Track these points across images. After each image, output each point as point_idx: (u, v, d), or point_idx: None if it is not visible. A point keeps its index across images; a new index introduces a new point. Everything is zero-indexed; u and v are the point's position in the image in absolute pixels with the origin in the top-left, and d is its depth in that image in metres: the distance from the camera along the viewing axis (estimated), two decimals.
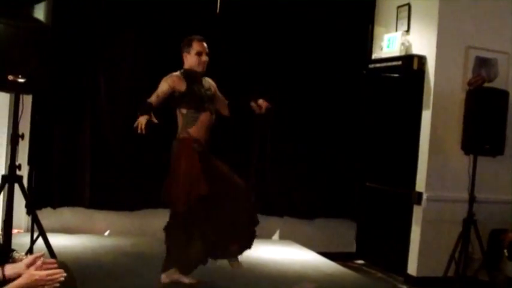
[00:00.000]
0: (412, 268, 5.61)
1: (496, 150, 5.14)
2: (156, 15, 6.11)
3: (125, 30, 6.06)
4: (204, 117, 4.46)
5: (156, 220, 6.29)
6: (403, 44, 5.92)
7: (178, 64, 6.17)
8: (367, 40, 6.63)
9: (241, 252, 4.54)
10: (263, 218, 6.53)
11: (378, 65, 6.21)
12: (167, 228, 4.53)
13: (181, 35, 6.19)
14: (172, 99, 4.45)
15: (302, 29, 6.49)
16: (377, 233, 6.34)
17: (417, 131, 5.69)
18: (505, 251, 5.02)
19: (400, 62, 5.83)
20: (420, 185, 5.62)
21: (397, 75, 6.10)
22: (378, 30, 6.56)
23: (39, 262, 2.53)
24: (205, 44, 4.52)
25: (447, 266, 5.04)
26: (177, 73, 4.49)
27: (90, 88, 6.00)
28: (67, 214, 6.05)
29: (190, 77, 4.48)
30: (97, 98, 6.03)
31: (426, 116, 5.62)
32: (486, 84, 5.23)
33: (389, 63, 6.01)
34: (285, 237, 6.61)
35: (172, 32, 6.17)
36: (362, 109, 6.59)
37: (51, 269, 2.54)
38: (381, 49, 6.25)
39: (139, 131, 4.13)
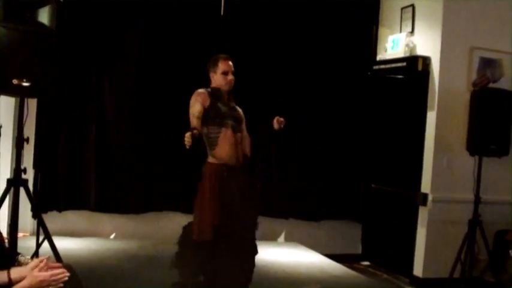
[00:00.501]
0: (418, 269, 5.60)
1: (502, 151, 5.13)
2: (160, 18, 6.12)
3: (129, 33, 6.08)
4: (226, 134, 4.33)
5: (162, 223, 6.34)
6: (407, 45, 5.91)
7: (183, 68, 6.22)
8: (371, 41, 6.63)
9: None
10: (268, 220, 6.55)
11: (382, 66, 6.20)
12: (179, 251, 4.41)
13: (185, 37, 6.25)
14: None
15: (307, 31, 6.50)
16: (383, 234, 6.32)
17: (422, 132, 5.68)
18: (511, 251, 5.01)
19: (404, 63, 5.83)
20: (425, 186, 5.61)
21: (401, 76, 6.09)
22: (382, 31, 6.56)
23: (42, 264, 2.54)
24: (230, 63, 4.46)
25: (453, 267, 5.03)
26: (203, 90, 4.44)
27: (95, 91, 6.02)
28: (72, 217, 6.06)
29: (216, 95, 4.43)
30: (102, 101, 6.05)
31: (431, 117, 5.61)
32: (491, 85, 5.23)
33: (393, 65, 6.01)
34: (290, 239, 6.61)
35: (176, 35, 6.20)
36: (367, 111, 6.58)
37: (54, 269, 2.55)
38: (385, 50, 6.25)
39: (187, 147, 4.01)
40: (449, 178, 5.56)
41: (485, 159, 5.11)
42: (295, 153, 6.52)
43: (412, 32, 5.98)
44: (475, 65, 5.61)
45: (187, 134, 3.99)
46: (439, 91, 5.55)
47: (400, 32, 6.13)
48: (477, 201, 5.06)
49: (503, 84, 5.57)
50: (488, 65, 5.63)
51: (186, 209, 6.37)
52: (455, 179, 5.55)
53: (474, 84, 5.15)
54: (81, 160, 6.03)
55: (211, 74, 4.49)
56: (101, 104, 6.04)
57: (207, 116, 4.32)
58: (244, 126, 4.53)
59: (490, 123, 5.01)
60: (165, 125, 6.20)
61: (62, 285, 2.52)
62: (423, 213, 5.60)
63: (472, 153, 5.13)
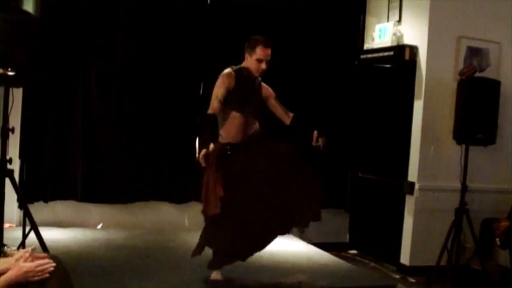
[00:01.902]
0: (404, 257, 5.63)
1: (488, 140, 5.16)
2: (147, 8, 6.07)
3: (115, 22, 6.03)
4: (236, 119, 4.41)
5: (149, 213, 6.33)
6: (394, 34, 5.91)
7: (169, 57, 6.18)
8: (358, 31, 6.62)
9: (304, 223, 4.54)
10: None
11: (369, 55, 6.20)
12: (204, 232, 4.55)
13: (172, 27, 6.21)
14: None
15: (293, 20, 6.47)
16: (370, 223, 6.35)
17: (409, 121, 5.69)
18: (497, 239, 5.05)
19: (391, 53, 5.83)
20: (412, 175, 5.63)
21: (389, 65, 6.10)
22: (369, 20, 6.55)
23: (27, 254, 2.52)
24: (269, 51, 4.44)
25: (440, 255, 5.06)
26: (229, 70, 4.43)
27: (81, 81, 5.97)
28: (59, 208, 6.02)
29: (243, 74, 4.43)
30: (88, 90, 6.00)
31: (418, 106, 5.63)
32: (477, 74, 5.24)
33: (381, 54, 6.01)
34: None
35: (163, 23, 6.16)
36: (354, 100, 6.59)
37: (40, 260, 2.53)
38: (373, 39, 6.24)
39: (203, 164, 4.15)
40: (436, 167, 5.59)
41: (471, 148, 5.13)
42: (284, 142, 6.50)
43: (400, 21, 5.98)
44: (462, 54, 5.62)
45: (203, 153, 4.09)
46: (426, 80, 5.56)
47: (388, 21, 6.12)
48: (464, 189, 5.08)
49: (490, 73, 5.60)
50: (475, 54, 5.65)
51: (173, 199, 6.39)
52: (442, 168, 5.58)
53: (461, 74, 5.16)
54: (68, 150, 5.99)
55: (246, 55, 4.46)
56: (87, 93, 5.99)
57: (229, 96, 4.34)
58: (273, 101, 4.66)
59: (476, 112, 5.03)
60: (152, 114, 6.17)
61: (47, 275, 2.50)
62: (410, 202, 5.63)
63: (458, 142, 5.15)
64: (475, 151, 5.24)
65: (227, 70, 4.43)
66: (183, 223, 6.48)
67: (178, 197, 6.38)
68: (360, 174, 6.47)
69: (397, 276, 5.49)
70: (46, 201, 5.92)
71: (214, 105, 4.31)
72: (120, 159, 6.08)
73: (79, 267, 4.33)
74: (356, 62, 6.46)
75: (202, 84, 6.35)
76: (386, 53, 5.92)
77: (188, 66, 6.27)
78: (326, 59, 6.55)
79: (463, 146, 5.10)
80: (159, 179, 6.20)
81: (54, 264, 2.53)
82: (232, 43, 6.30)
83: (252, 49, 4.43)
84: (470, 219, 5.05)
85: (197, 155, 4.23)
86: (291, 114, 4.74)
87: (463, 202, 5.07)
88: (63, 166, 5.99)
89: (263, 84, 4.65)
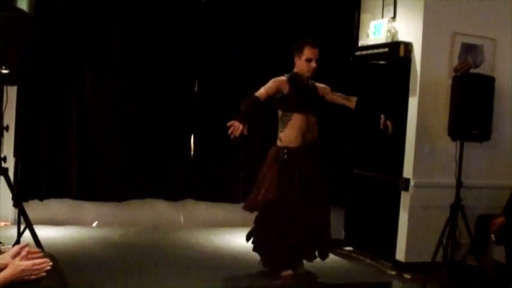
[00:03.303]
0: (400, 254, 5.64)
1: (483, 136, 5.16)
2: (142, 5, 6.05)
3: (110, 20, 6.02)
4: (298, 119, 4.66)
5: (144, 211, 6.33)
6: (389, 31, 5.90)
7: (164, 53, 6.17)
8: (353, 27, 6.61)
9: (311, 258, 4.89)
10: None
11: (364, 52, 6.19)
12: (252, 233, 4.82)
13: (167, 25, 6.19)
14: (275, 100, 4.70)
15: (288, 16, 6.47)
16: (365, 219, 6.35)
17: (404, 118, 5.69)
18: (492, 235, 5.06)
19: (386, 49, 5.82)
20: (407, 171, 5.63)
21: (383, 62, 6.09)
22: (364, 17, 6.53)
23: (23, 252, 2.51)
24: (316, 50, 4.70)
25: (435, 251, 5.07)
26: (284, 77, 4.71)
27: (76, 79, 5.96)
28: (54, 206, 6.02)
29: (295, 80, 4.69)
30: (83, 89, 5.99)
31: (413, 102, 5.63)
32: (472, 70, 5.24)
33: (375, 50, 6.00)
34: None
35: (158, 21, 6.15)
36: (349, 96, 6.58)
37: (36, 258, 2.52)
38: (367, 36, 6.24)
39: (232, 136, 4.31)
40: (431, 163, 5.59)
41: (466, 144, 5.14)
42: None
43: (394, 17, 5.97)
44: (457, 50, 5.62)
45: (239, 129, 4.27)
46: (421, 77, 5.56)
47: (382, 17, 6.11)
48: (459, 185, 5.09)
49: (485, 69, 5.59)
50: (470, 50, 5.65)
51: (168, 196, 6.39)
52: (437, 164, 5.58)
53: (456, 70, 5.17)
54: (62, 148, 5.98)
55: (295, 59, 4.73)
56: (81, 91, 5.99)
57: (284, 101, 4.62)
58: (330, 95, 4.97)
59: (471, 109, 5.03)
60: (147, 112, 6.17)
61: (44, 274, 2.50)
62: (405, 198, 5.63)
63: (453, 138, 5.16)
64: (470, 147, 5.25)
65: (282, 77, 4.71)
66: (178, 220, 6.49)
67: (174, 194, 6.38)
68: (355, 171, 6.47)
69: (393, 273, 5.49)
70: (41, 199, 5.91)
71: (261, 91, 4.57)
72: (115, 157, 6.07)
73: (74, 265, 4.33)
74: (351, 59, 6.45)
75: (197, 81, 6.35)
76: (381, 50, 5.91)
77: (183, 64, 6.26)
78: (321, 56, 6.51)
79: (458, 142, 5.11)
80: (154, 176, 6.19)
81: (51, 263, 2.53)
82: (227, 41, 6.33)
83: (300, 51, 4.69)
84: (465, 215, 5.06)
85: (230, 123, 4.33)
86: (354, 98, 5.00)
87: (458, 198, 5.08)
88: (58, 164, 5.98)
89: (317, 84, 4.90)
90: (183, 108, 6.29)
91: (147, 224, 6.27)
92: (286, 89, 4.64)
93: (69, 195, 6.01)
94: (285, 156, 4.62)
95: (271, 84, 4.64)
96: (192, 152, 6.43)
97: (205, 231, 6.30)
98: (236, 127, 4.27)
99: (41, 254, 2.59)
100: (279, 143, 4.69)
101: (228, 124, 4.30)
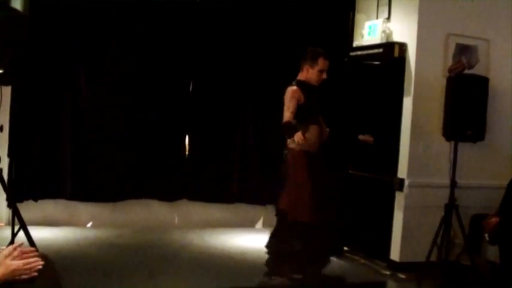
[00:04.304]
0: (394, 254, 5.65)
1: (477, 136, 5.18)
2: (136, 5, 6.05)
3: (105, 19, 6.01)
4: (314, 128, 4.69)
5: (139, 211, 6.32)
6: (384, 31, 5.91)
7: (159, 53, 6.16)
8: (348, 28, 6.62)
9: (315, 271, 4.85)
10: (246, 207, 6.57)
11: (359, 52, 6.20)
12: (274, 236, 4.80)
13: (162, 25, 6.19)
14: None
15: (283, 17, 6.47)
16: (360, 219, 6.36)
17: (399, 118, 5.70)
18: (486, 235, 5.08)
19: (381, 50, 5.83)
20: (402, 171, 5.64)
21: (378, 62, 6.11)
22: (358, 17, 6.54)
23: (15, 252, 2.50)
24: (328, 61, 4.76)
25: (429, 251, 5.08)
26: (294, 87, 4.67)
27: (70, 79, 5.95)
28: (49, 206, 6.00)
29: (307, 89, 4.68)
30: (77, 89, 5.98)
31: (407, 102, 5.64)
32: (466, 71, 5.25)
33: (370, 51, 6.01)
34: (269, 225, 6.60)
35: (153, 21, 6.14)
36: (343, 97, 6.59)
37: (31, 257, 2.51)
38: (362, 37, 6.25)
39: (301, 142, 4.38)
40: (425, 163, 5.60)
41: (461, 145, 5.15)
42: (272, 140, 6.50)
43: (389, 18, 5.98)
44: (451, 51, 5.63)
45: (300, 135, 4.32)
46: (415, 77, 5.57)
47: (377, 18, 6.13)
48: (453, 185, 5.11)
49: (479, 70, 5.60)
50: (464, 51, 5.66)
51: (163, 197, 6.38)
52: (431, 164, 5.59)
53: (450, 71, 5.18)
54: (57, 148, 5.96)
55: (306, 67, 4.72)
56: (76, 91, 5.97)
57: (301, 111, 4.59)
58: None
59: (465, 109, 5.05)
60: (142, 112, 6.16)
61: (35, 273, 2.48)
62: (400, 198, 5.64)
63: (448, 139, 5.17)
64: (464, 147, 5.27)
65: (292, 87, 4.66)
66: (173, 221, 6.48)
67: (169, 195, 6.37)
68: (349, 171, 6.47)
69: (387, 272, 5.50)
70: (35, 200, 5.89)
71: (287, 115, 4.55)
72: (110, 157, 6.06)
73: (69, 265, 4.32)
74: (345, 59, 6.45)
75: (191, 82, 6.34)
76: (375, 50, 5.92)
77: (178, 65, 6.26)
78: None
79: (453, 143, 5.13)
80: (149, 177, 6.19)
81: (42, 262, 2.51)
82: (222, 41, 6.33)
83: (314, 61, 4.71)
84: (459, 215, 5.08)
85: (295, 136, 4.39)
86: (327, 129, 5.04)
87: (452, 198, 5.10)
88: (53, 164, 5.97)
89: None
90: (178, 108, 6.28)
91: (141, 224, 6.26)
92: (302, 99, 4.63)
93: (64, 195, 6.00)
94: (312, 160, 4.66)
95: (292, 102, 4.58)
96: (186, 153, 6.43)
97: (200, 231, 6.30)
98: (299, 137, 4.32)
99: (35, 253, 2.58)
100: (300, 147, 4.61)
101: (297, 139, 4.35)
